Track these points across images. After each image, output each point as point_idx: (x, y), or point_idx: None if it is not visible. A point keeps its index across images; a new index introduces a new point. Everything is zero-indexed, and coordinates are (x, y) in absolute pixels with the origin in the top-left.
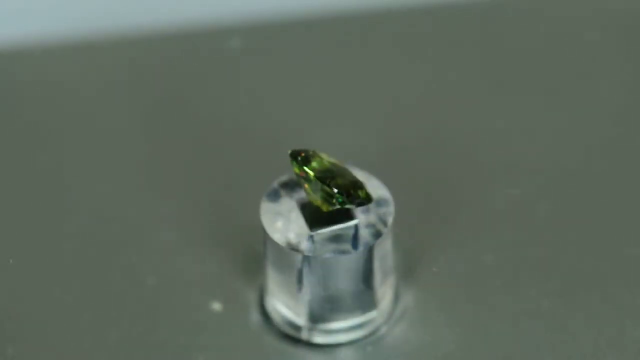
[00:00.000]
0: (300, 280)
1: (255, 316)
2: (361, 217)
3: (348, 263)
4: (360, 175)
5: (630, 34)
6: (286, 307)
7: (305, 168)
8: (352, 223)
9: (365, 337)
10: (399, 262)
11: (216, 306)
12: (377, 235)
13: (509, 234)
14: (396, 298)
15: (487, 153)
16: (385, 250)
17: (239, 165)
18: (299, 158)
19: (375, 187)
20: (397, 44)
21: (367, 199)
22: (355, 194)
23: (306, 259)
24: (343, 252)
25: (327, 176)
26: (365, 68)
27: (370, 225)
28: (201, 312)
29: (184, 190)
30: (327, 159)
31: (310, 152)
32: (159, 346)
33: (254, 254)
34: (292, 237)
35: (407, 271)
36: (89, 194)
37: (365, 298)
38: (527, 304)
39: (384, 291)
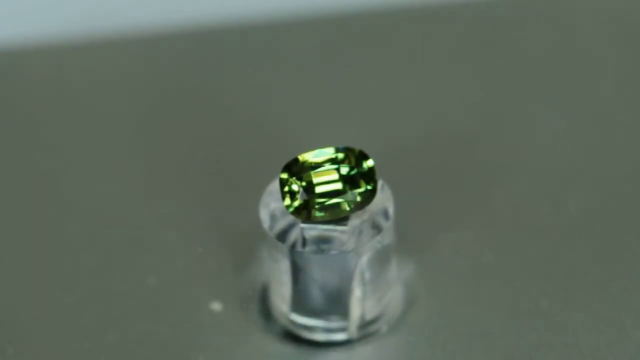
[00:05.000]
0: (290, 274)
1: (255, 316)
2: (355, 222)
3: (326, 262)
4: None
5: (631, 34)
6: (279, 300)
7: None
8: (342, 228)
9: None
10: (399, 262)
11: (216, 306)
12: (361, 243)
13: (509, 234)
14: (396, 297)
15: (488, 153)
16: (374, 259)
17: (239, 165)
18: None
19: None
20: (397, 43)
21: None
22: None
23: (294, 253)
24: (323, 251)
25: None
26: (365, 68)
27: (362, 231)
28: (201, 312)
29: (184, 190)
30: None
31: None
32: (159, 346)
33: (254, 254)
34: (282, 231)
35: (407, 270)
36: (89, 194)
37: (339, 303)
38: (527, 304)
39: (373, 301)
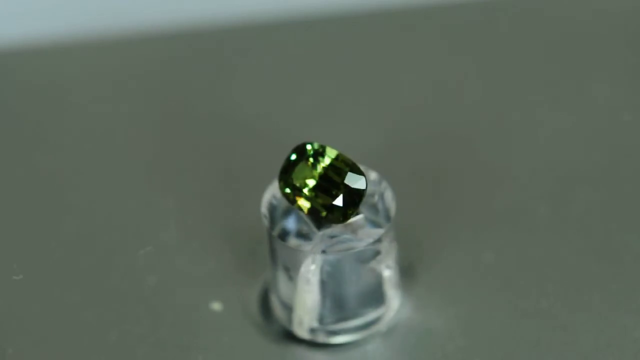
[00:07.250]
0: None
1: (255, 316)
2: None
3: (289, 253)
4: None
5: (631, 34)
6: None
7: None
8: (313, 229)
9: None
10: (399, 262)
11: (216, 306)
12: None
13: (509, 234)
14: (396, 297)
15: (488, 153)
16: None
17: (239, 165)
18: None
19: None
20: (397, 43)
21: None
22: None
23: (271, 236)
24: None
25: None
26: (365, 68)
27: (327, 242)
28: (201, 312)
29: (184, 190)
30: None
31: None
32: (159, 346)
33: (255, 253)
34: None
35: (407, 270)
36: (89, 194)
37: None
38: (527, 304)
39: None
